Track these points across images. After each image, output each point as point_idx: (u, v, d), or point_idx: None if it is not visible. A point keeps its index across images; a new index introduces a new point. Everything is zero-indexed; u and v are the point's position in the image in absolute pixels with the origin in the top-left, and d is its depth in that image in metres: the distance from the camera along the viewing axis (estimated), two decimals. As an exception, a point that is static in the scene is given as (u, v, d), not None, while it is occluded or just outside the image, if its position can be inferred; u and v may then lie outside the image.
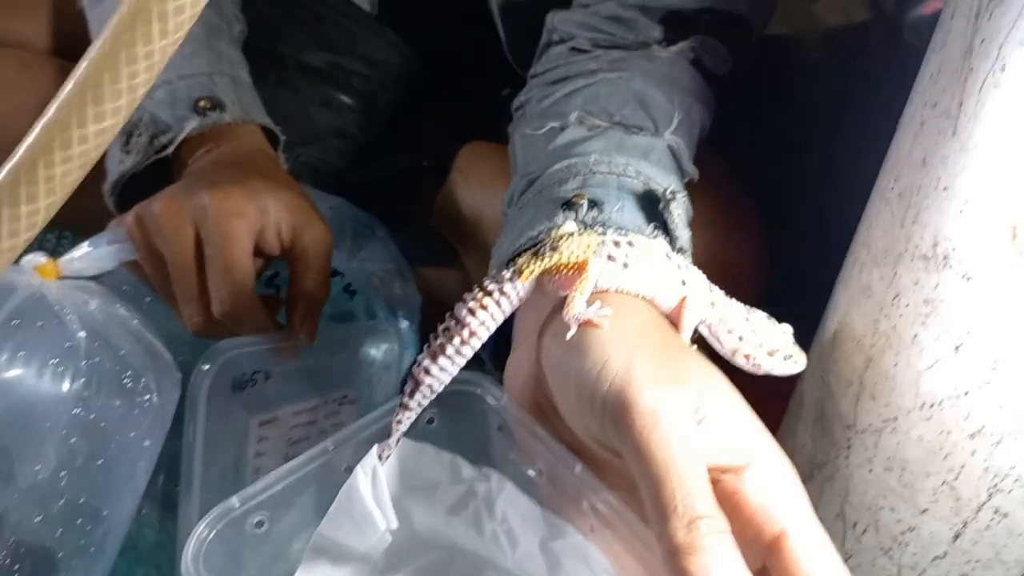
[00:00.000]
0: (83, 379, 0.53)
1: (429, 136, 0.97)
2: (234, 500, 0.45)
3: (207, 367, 0.62)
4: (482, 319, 0.45)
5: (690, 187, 0.63)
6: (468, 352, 0.46)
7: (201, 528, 0.43)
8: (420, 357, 0.46)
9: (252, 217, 0.66)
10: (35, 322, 0.52)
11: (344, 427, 0.82)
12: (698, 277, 0.48)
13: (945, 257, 0.43)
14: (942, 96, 0.43)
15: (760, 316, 0.49)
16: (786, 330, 0.49)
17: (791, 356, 0.48)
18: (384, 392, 0.85)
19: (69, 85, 0.34)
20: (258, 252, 0.69)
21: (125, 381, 0.55)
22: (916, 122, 0.45)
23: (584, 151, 0.60)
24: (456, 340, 0.45)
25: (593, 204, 0.53)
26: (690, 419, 0.40)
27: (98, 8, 0.82)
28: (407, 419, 0.46)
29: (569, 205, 0.53)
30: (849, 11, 1.21)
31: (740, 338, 0.48)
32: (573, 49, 0.74)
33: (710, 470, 0.40)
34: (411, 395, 0.46)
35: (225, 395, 0.64)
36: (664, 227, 0.53)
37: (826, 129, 1.10)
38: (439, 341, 0.46)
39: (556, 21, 0.76)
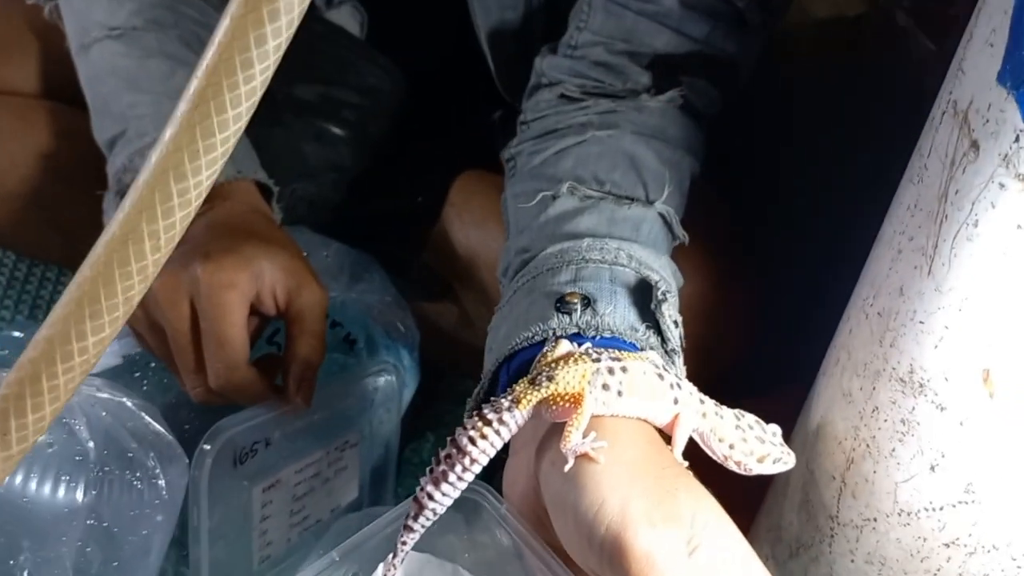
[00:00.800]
0: (94, 491, 0.55)
1: (422, 165, 0.97)
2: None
3: (208, 447, 0.64)
4: (483, 447, 0.47)
5: (686, 230, 0.65)
6: (469, 477, 0.48)
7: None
8: (423, 481, 0.48)
9: (245, 287, 0.67)
10: (45, 439, 0.54)
11: (347, 472, 0.84)
12: (689, 391, 0.50)
13: (921, 385, 0.45)
14: (918, 232, 0.44)
15: (750, 420, 0.51)
16: (775, 432, 0.51)
17: (779, 459, 0.50)
18: (385, 429, 0.86)
19: (66, 300, 0.35)
20: (256, 312, 0.70)
21: (135, 483, 0.57)
22: (893, 248, 0.46)
23: (576, 230, 0.61)
24: (458, 468, 0.47)
25: (586, 302, 0.54)
26: (683, 554, 0.42)
27: (83, 58, 0.82)
28: (411, 540, 0.48)
29: (563, 303, 0.55)
30: (841, 4, 1.19)
31: (731, 446, 0.50)
32: (563, 96, 0.74)
33: None
34: (415, 518, 0.48)
35: (227, 472, 0.66)
36: (656, 324, 0.55)
37: (818, 123, 1.10)
38: (441, 468, 0.47)
39: (544, 66, 0.75)
